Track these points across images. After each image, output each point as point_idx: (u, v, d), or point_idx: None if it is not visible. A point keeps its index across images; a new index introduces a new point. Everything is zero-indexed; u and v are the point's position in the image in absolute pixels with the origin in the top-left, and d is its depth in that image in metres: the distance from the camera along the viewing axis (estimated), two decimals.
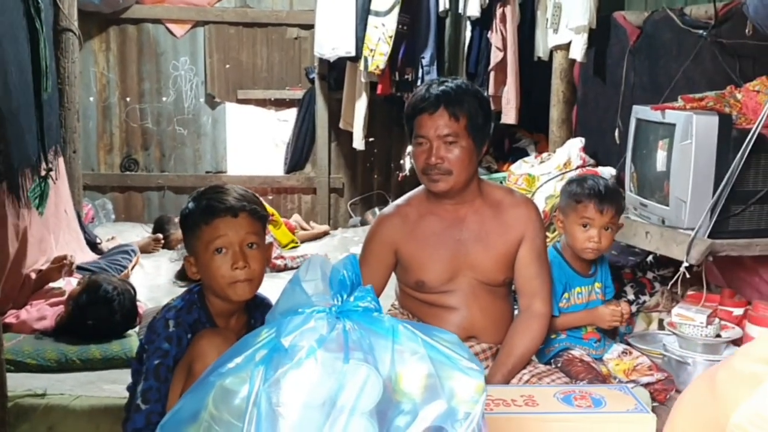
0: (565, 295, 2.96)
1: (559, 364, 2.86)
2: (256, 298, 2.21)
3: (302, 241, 5.66)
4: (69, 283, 3.76)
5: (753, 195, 3.13)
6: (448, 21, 5.49)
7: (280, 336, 1.29)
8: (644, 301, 3.73)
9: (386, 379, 1.31)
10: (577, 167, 4.62)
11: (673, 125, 3.17)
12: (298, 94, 6.40)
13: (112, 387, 2.95)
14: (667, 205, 3.23)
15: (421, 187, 2.66)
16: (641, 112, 3.52)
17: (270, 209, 5.66)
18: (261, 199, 2.25)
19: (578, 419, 1.82)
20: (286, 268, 4.91)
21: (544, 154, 5.05)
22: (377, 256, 2.63)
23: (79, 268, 4.03)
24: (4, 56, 3.09)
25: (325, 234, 5.87)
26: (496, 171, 5.82)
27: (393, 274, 2.73)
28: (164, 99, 6.35)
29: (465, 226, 2.58)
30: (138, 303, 3.56)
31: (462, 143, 2.46)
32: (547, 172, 4.71)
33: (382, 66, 5.26)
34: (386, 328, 1.35)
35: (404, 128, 2.62)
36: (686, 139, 3.09)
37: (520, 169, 4.90)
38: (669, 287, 3.63)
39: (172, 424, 1.43)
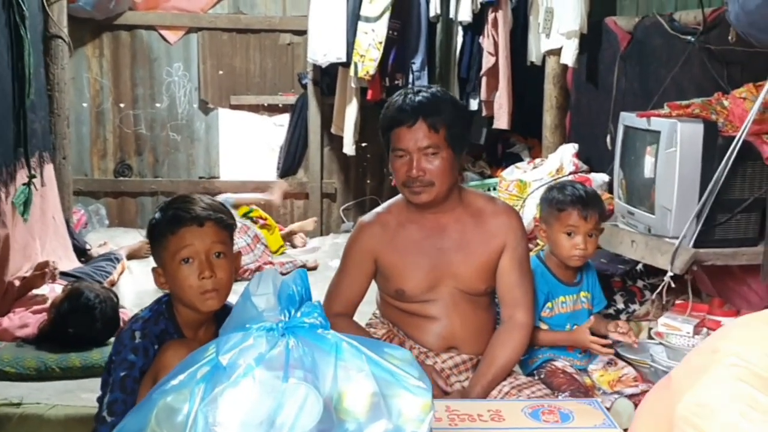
0: (549, 304, 2.92)
1: (542, 375, 2.83)
2: (226, 308, 2.18)
3: (290, 233, 5.64)
4: (53, 290, 3.74)
5: (739, 203, 3.10)
6: (439, 26, 5.48)
7: (218, 354, 1.26)
8: (634, 310, 3.69)
9: (328, 398, 1.28)
10: (570, 173, 4.59)
11: (658, 132, 3.14)
12: (291, 99, 6.37)
13: (90, 396, 2.90)
14: (653, 214, 3.20)
15: (401, 195, 2.62)
16: (628, 119, 3.50)
17: (262, 213, 5.65)
18: (228, 208, 2.21)
19: None
20: None
21: (537, 160, 5.02)
22: (357, 264, 2.60)
23: (64, 274, 4.01)
24: None
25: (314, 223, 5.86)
26: (490, 176, 5.80)
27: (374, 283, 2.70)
28: (158, 105, 6.32)
29: (446, 234, 2.55)
30: (122, 310, 3.54)
31: (442, 154, 2.42)
32: (539, 178, 4.68)
33: (372, 72, 5.24)
34: (330, 345, 1.32)
35: None
36: (671, 146, 3.06)
37: (511, 174, 4.88)
38: (662, 298, 3.58)
39: None
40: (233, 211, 5.32)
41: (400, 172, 2.45)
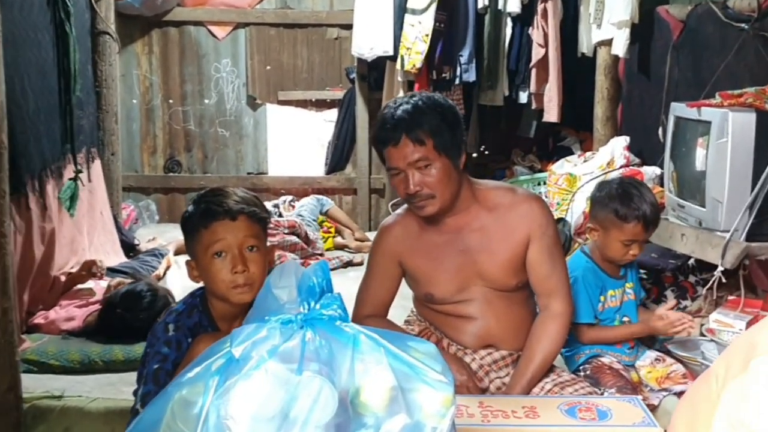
0: (601, 298, 2.85)
1: (587, 372, 2.76)
2: None
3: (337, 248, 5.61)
4: (98, 285, 3.79)
5: None
6: (487, 18, 5.39)
7: (232, 345, 1.23)
8: (686, 306, 3.59)
9: (345, 391, 1.24)
10: (621, 167, 4.48)
11: (709, 123, 3.04)
12: (339, 94, 6.35)
13: (132, 389, 2.94)
14: (704, 206, 3.09)
15: None
16: (679, 109, 3.39)
17: (328, 223, 5.63)
18: (261, 201, 2.19)
19: None
20: None
21: (588, 153, 4.91)
22: (382, 267, 2.55)
23: (111, 270, 4.06)
24: (22, 61, 3.12)
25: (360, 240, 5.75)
26: (540, 170, 5.70)
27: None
28: (206, 101, 6.37)
29: (467, 235, 2.47)
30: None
31: (436, 164, 2.32)
32: (589, 172, 4.57)
33: (418, 65, 5.18)
34: (348, 337, 1.28)
35: None
36: (722, 137, 2.96)
37: (561, 168, 4.77)
38: (714, 293, 3.47)
39: None
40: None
41: (399, 189, 2.38)
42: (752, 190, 2.88)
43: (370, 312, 2.52)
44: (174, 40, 6.27)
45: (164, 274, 4.48)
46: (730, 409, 1.44)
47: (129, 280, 3.73)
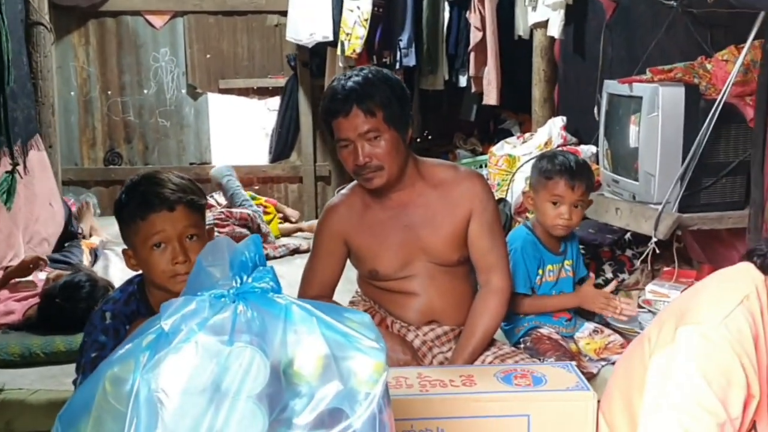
0: (539, 271, 2.90)
1: (527, 343, 2.82)
2: None
3: (283, 235, 5.60)
4: (37, 278, 3.74)
5: (724, 167, 3.07)
6: (425, 2, 5.42)
7: (161, 319, 1.23)
8: (623, 280, 3.67)
9: (277, 361, 1.25)
10: (558, 146, 4.55)
11: (641, 98, 3.11)
12: (281, 81, 6.33)
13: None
14: (637, 180, 3.17)
15: None
16: (611, 86, 3.47)
17: (262, 201, 5.63)
18: (197, 184, 2.15)
19: (515, 398, 1.76)
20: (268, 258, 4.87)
21: (527, 134, 4.98)
22: (327, 247, 2.57)
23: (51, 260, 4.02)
24: None
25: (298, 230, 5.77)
26: (482, 153, 5.76)
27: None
28: (145, 91, 6.30)
29: (411, 210, 2.51)
30: None
31: (385, 136, 2.36)
32: (528, 153, 4.64)
33: (358, 50, 5.19)
34: (279, 309, 1.28)
35: None
36: (653, 111, 3.03)
37: (501, 150, 4.83)
38: (648, 265, 3.56)
39: (68, 415, 1.38)
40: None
41: (348, 161, 2.40)
42: (683, 163, 2.96)
43: (317, 293, 2.54)
44: (111, 30, 6.18)
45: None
46: (657, 380, 1.51)
47: (68, 272, 3.68)
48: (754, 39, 2.84)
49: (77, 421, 1.35)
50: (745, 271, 1.61)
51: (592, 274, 3.09)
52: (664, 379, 1.48)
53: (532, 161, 4.34)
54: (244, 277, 1.36)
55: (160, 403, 1.19)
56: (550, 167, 2.82)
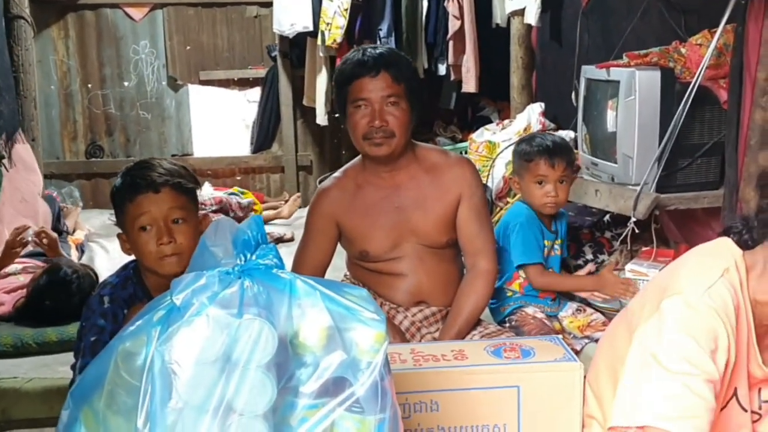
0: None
1: (513, 323, 2.89)
2: None
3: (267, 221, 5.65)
4: (25, 270, 3.75)
5: (699, 148, 3.15)
6: None
7: (172, 294, 1.29)
8: (603, 260, 3.75)
9: (284, 333, 1.32)
10: (537, 131, 4.63)
11: (618, 82, 3.18)
12: (261, 72, 6.37)
13: (67, 369, 2.94)
14: (616, 163, 3.24)
15: (357, 158, 2.64)
16: (589, 71, 3.53)
17: (250, 195, 5.66)
18: (191, 170, 2.21)
19: (506, 370, 1.83)
20: None
21: (506, 121, 5.05)
22: (319, 230, 2.63)
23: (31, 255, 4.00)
24: None
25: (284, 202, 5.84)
26: (461, 140, 5.83)
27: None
28: (126, 84, 6.32)
29: (403, 192, 2.57)
30: None
31: (403, 105, 2.45)
32: (507, 139, 4.71)
33: (339, 39, 5.24)
34: (284, 283, 1.35)
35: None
36: (630, 95, 3.10)
37: (481, 136, 4.90)
38: (627, 245, 3.64)
39: (80, 391, 1.44)
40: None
41: (361, 123, 2.46)
42: (660, 144, 3.04)
43: (308, 275, 2.59)
44: (90, 23, 6.18)
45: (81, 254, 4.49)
46: (644, 341, 1.58)
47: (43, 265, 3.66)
48: (726, 23, 2.92)
49: (90, 396, 1.41)
50: (724, 245, 1.68)
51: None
52: (652, 341, 1.55)
53: (510, 151, 4.48)
54: (248, 255, 1.42)
55: (174, 373, 1.25)
56: (529, 149, 2.91)
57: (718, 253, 1.66)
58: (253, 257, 1.42)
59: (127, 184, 2.06)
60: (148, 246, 2.03)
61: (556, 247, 3.04)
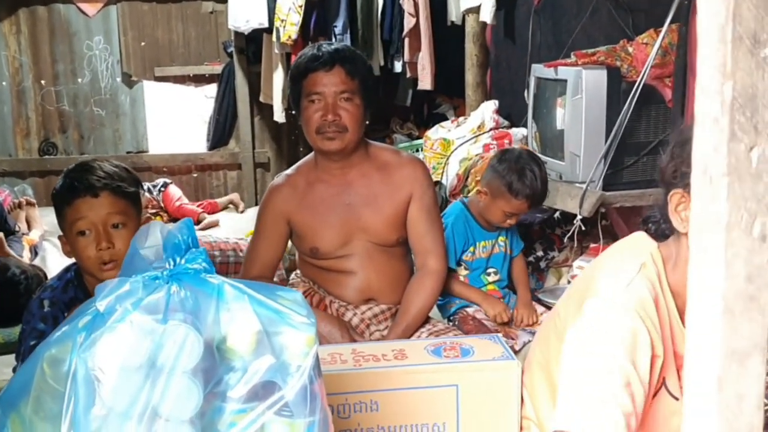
0: (471, 249, 3.01)
1: (456, 322, 2.94)
2: None
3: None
4: None
5: (645, 146, 3.19)
6: None
7: (96, 301, 1.28)
8: (553, 257, 3.78)
9: (210, 338, 1.31)
10: (491, 129, 4.65)
11: (565, 81, 3.21)
12: (218, 69, 6.33)
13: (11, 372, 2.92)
14: (563, 161, 3.28)
15: (310, 155, 2.65)
16: (538, 70, 3.56)
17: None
18: (134, 173, 2.18)
19: (444, 369, 1.84)
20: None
21: (461, 118, 5.07)
22: (270, 227, 2.63)
23: None
24: None
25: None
26: (418, 137, 5.85)
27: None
28: (80, 80, 6.24)
29: (353, 190, 2.59)
30: None
31: (356, 101, 2.47)
32: (462, 136, 4.74)
33: (294, 36, 5.23)
34: (212, 288, 1.34)
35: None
36: (577, 94, 3.14)
37: (436, 134, 4.93)
38: (575, 242, 3.68)
39: (8, 397, 1.42)
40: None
41: (314, 117, 2.47)
42: (606, 143, 3.07)
43: (258, 273, 2.59)
44: (42, 18, 6.10)
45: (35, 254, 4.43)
46: (569, 345, 1.60)
47: None
48: (671, 23, 2.96)
49: (17, 402, 1.39)
50: (639, 240, 1.71)
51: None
52: (576, 350, 1.57)
53: (468, 145, 4.50)
54: (178, 259, 1.41)
55: (97, 380, 1.24)
56: (520, 188, 2.86)
57: (634, 249, 1.69)
58: (183, 261, 1.41)
59: (66, 187, 2.02)
60: (87, 251, 2.00)
61: (500, 244, 3.07)
